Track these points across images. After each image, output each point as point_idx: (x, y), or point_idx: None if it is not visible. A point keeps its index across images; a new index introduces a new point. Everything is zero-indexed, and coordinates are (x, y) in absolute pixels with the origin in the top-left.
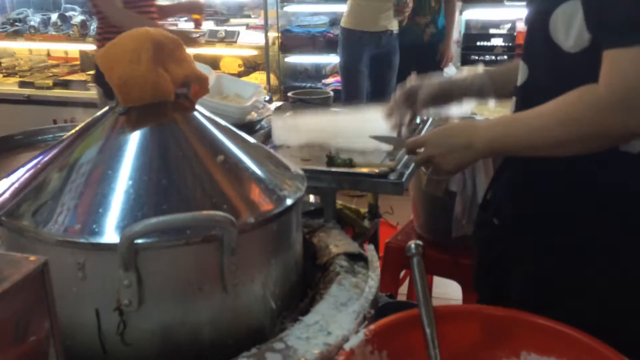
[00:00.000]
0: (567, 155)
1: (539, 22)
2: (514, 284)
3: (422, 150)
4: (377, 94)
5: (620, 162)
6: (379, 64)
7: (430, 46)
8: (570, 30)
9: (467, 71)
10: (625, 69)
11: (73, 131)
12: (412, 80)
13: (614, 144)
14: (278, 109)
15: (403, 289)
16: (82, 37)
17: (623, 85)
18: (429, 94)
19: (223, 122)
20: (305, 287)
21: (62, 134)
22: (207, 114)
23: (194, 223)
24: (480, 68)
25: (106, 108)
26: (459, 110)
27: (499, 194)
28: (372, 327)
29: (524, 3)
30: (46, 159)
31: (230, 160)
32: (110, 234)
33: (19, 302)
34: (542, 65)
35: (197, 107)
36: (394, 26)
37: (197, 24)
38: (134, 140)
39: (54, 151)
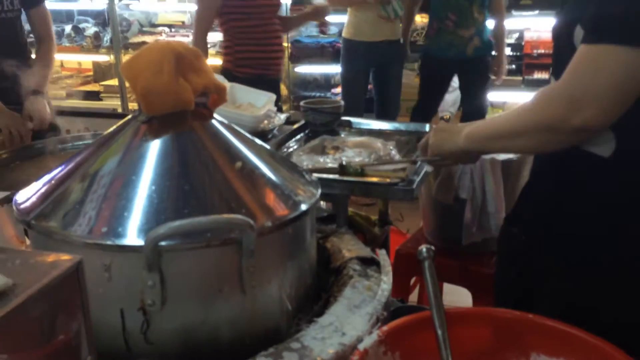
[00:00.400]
0: (528, 149)
1: (565, 35)
2: (537, 299)
3: None
4: (382, 104)
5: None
6: (380, 74)
7: (474, 60)
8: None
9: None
10: (580, 64)
11: (97, 139)
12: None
13: (563, 142)
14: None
15: (413, 297)
16: (95, 48)
17: (572, 80)
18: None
19: (240, 130)
20: (319, 291)
21: (80, 142)
22: (225, 121)
23: (214, 226)
24: None
25: (129, 116)
26: None
27: (528, 209)
28: (385, 328)
29: (531, 12)
30: (73, 165)
31: (247, 167)
32: (135, 237)
33: (56, 299)
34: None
35: (215, 115)
36: (394, 36)
37: (323, 26)
38: (155, 147)
39: (80, 158)
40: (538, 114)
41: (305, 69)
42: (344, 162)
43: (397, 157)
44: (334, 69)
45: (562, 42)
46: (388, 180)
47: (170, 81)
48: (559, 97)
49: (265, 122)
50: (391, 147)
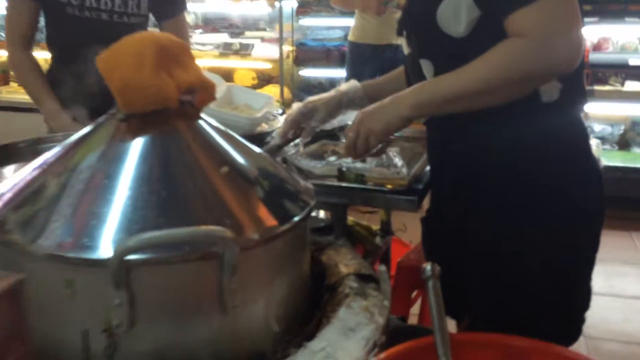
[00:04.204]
0: (494, 103)
1: (426, 21)
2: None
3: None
4: None
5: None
6: None
7: None
8: (459, 17)
9: (345, 85)
10: (539, 19)
11: (71, 139)
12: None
13: (536, 87)
14: None
15: (414, 309)
16: None
17: (542, 32)
18: (324, 116)
19: (230, 132)
20: (312, 309)
21: (52, 143)
22: (214, 123)
23: (191, 239)
24: (354, 83)
25: (105, 115)
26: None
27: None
28: (382, 355)
29: None
30: (41, 167)
31: (235, 173)
32: (102, 249)
33: None
34: (443, 57)
35: (203, 116)
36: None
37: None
38: (133, 148)
39: (50, 160)
40: (521, 68)
41: (310, 72)
42: (343, 168)
43: (400, 163)
44: (340, 73)
45: (426, 28)
46: (390, 187)
47: (152, 76)
48: (536, 50)
49: (264, 125)
50: (395, 154)
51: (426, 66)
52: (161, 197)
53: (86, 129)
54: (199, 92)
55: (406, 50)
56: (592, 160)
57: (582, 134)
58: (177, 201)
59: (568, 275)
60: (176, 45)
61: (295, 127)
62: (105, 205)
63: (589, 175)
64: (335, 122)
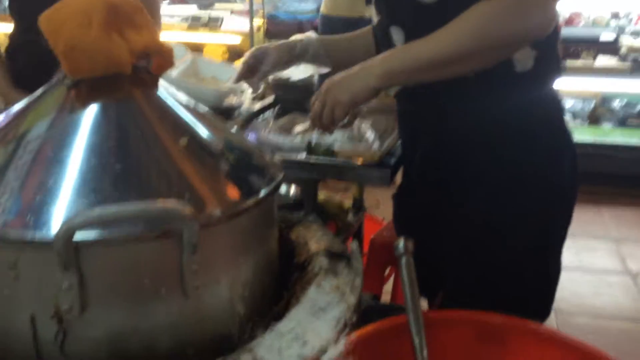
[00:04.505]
0: (466, 71)
1: None
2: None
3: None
4: None
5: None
6: None
7: None
8: None
9: (301, 35)
10: None
11: (15, 108)
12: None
13: (509, 54)
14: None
15: (387, 286)
16: None
17: None
18: (275, 60)
19: (191, 103)
20: (280, 289)
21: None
22: (173, 92)
23: (145, 215)
24: (311, 34)
25: (53, 80)
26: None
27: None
28: (353, 335)
29: None
30: None
31: (195, 144)
32: (48, 228)
33: None
34: (414, 24)
35: (162, 84)
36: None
37: None
38: (85, 117)
39: None
40: (490, 33)
41: None
42: (312, 142)
43: (372, 136)
44: None
45: None
46: (360, 161)
47: (101, 36)
48: (511, 12)
49: (232, 97)
50: (367, 126)
51: (396, 34)
52: (115, 170)
53: (33, 96)
54: (156, 57)
55: (375, 18)
56: (567, 135)
57: (557, 108)
58: (132, 174)
59: (542, 250)
60: (129, 4)
61: (249, 70)
62: (52, 179)
63: (564, 149)
64: (289, 72)
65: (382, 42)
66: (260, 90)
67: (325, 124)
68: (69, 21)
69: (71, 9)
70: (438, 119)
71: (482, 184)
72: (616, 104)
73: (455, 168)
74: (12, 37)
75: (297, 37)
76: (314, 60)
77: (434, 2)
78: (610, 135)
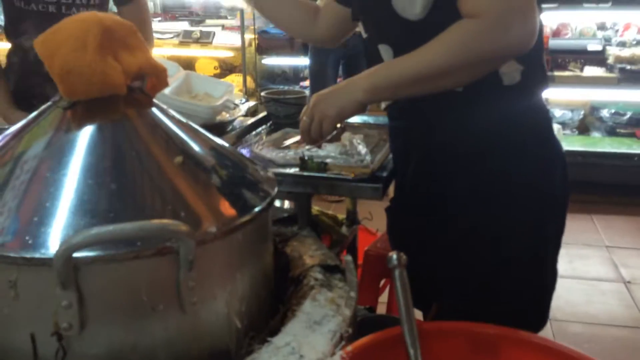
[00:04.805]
0: (451, 85)
1: (381, 5)
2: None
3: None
4: None
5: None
6: (350, 66)
7: None
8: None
9: None
10: None
11: (13, 128)
12: None
13: (493, 68)
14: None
15: (383, 298)
16: None
17: (496, 12)
18: None
19: (185, 121)
20: (276, 303)
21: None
22: (168, 111)
23: (143, 233)
24: None
25: (49, 103)
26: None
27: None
28: (349, 348)
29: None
30: None
31: (190, 162)
32: (46, 247)
33: None
34: (401, 41)
35: (156, 103)
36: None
37: None
38: (80, 138)
39: None
40: (478, 47)
41: (273, 61)
42: (305, 157)
43: (364, 150)
44: (303, 62)
45: (383, 14)
46: (353, 175)
47: (95, 59)
48: (493, 28)
49: (224, 113)
50: (359, 141)
51: (385, 51)
52: (111, 189)
53: (29, 118)
54: (150, 78)
55: (364, 34)
56: (556, 144)
57: (545, 118)
58: (128, 194)
59: (536, 260)
60: (122, 27)
61: None
62: (49, 199)
63: (554, 159)
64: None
65: (371, 58)
66: None
67: (314, 138)
68: (65, 45)
69: (66, 33)
70: (427, 132)
71: (474, 196)
72: (605, 113)
73: (446, 181)
74: (7, 56)
75: None
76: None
77: (420, 19)
78: (599, 144)
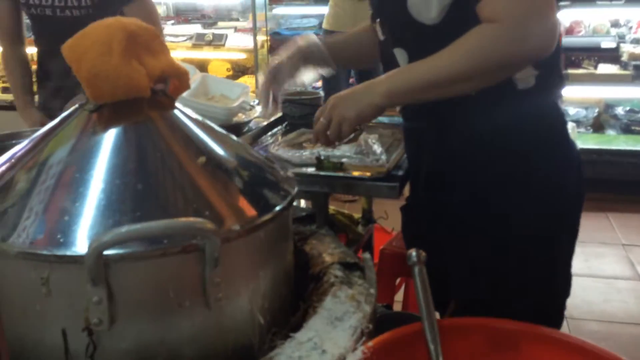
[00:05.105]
0: (468, 90)
1: (397, 8)
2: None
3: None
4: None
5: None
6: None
7: None
8: (429, 3)
9: (298, 39)
10: (512, 4)
11: (40, 132)
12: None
13: (511, 74)
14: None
15: (398, 296)
16: None
17: (516, 17)
18: (289, 71)
19: (206, 122)
20: (296, 300)
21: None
22: (189, 112)
23: (170, 231)
24: (310, 35)
25: (76, 105)
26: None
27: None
28: (370, 343)
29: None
30: (9, 162)
31: (213, 163)
32: (77, 245)
33: None
34: (416, 45)
35: (178, 105)
36: None
37: None
38: (106, 140)
39: (18, 153)
40: (497, 53)
41: None
42: (321, 157)
43: (380, 150)
44: None
45: (398, 18)
46: (369, 174)
47: (121, 63)
48: (513, 35)
49: (240, 115)
50: (373, 140)
51: (400, 55)
52: (136, 189)
53: (55, 121)
54: (172, 80)
55: (381, 36)
56: (571, 145)
57: (559, 119)
58: (154, 194)
59: (550, 260)
60: (146, 32)
61: (270, 92)
62: (78, 200)
63: (569, 160)
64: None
65: (387, 61)
66: (270, 109)
67: (332, 139)
68: (91, 50)
69: (92, 38)
70: (441, 135)
71: (486, 197)
72: (619, 110)
73: (460, 183)
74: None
75: (296, 39)
76: (319, 62)
77: (436, 24)
78: (614, 142)
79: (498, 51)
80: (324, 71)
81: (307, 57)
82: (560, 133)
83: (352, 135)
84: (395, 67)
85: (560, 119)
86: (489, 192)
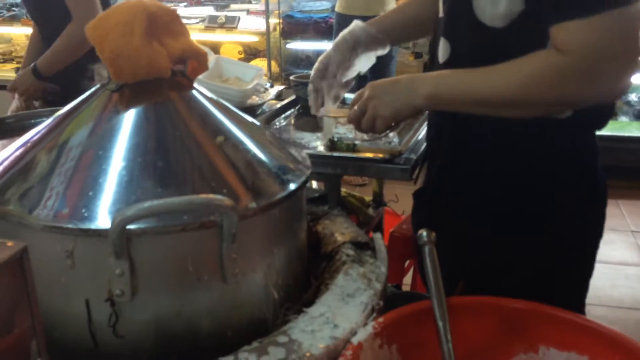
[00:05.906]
0: (513, 116)
1: (461, 3)
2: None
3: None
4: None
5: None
6: None
7: None
8: (497, 5)
9: (345, 31)
10: (592, 39)
11: (63, 110)
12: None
13: (568, 110)
14: None
15: (407, 279)
16: None
17: (593, 55)
18: (339, 60)
19: (223, 102)
20: (309, 277)
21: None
22: (207, 92)
23: (190, 207)
24: (357, 23)
25: (97, 85)
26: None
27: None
28: (381, 319)
29: None
30: (34, 139)
31: (230, 142)
32: (101, 219)
33: None
34: (466, 42)
35: (196, 86)
36: (387, 10)
37: None
38: (127, 119)
39: (42, 132)
40: (558, 89)
41: (297, 45)
42: (335, 138)
43: (392, 133)
44: (327, 46)
45: (458, 9)
46: (381, 156)
47: (142, 44)
48: (580, 73)
49: (254, 97)
50: None
51: (443, 46)
52: (157, 167)
53: (77, 100)
54: (191, 62)
55: (440, 12)
56: (595, 183)
57: (590, 157)
58: (174, 171)
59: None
60: (166, 13)
61: (320, 77)
62: (101, 176)
63: (591, 199)
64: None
65: (433, 44)
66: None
67: (364, 130)
68: (113, 31)
69: (115, 19)
70: (461, 134)
71: (500, 199)
72: (633, 97)
73: (476, 184)
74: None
75: (343, 32)
76: (370, 46)
77: (497, 28)
78: (627, 128)
79: (560, 87)
80: (379, 52)
81: (354, 44)
82: (586, 171)
83: (387, 132)
84: (435, 57)
85: (590, 157)
86: (501, 198)
